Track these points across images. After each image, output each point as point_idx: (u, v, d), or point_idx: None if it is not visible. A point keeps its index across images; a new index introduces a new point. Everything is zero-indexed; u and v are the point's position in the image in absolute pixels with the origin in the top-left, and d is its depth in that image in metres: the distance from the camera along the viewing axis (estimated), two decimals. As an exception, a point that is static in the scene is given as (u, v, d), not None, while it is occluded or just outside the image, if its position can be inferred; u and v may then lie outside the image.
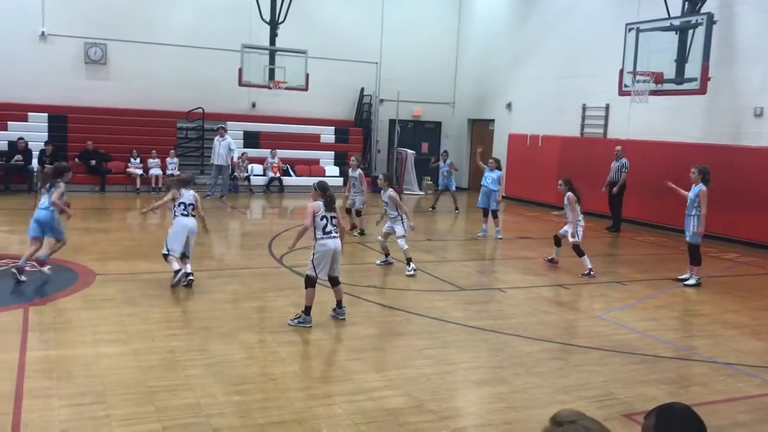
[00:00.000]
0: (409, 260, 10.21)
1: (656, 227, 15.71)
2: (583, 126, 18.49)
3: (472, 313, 8.23)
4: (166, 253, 8.82)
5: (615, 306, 8.92)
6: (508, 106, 21.61)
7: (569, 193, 10.73)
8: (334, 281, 7.64)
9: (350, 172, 13.77)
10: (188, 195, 8.97)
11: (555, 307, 8.79)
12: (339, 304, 7.68)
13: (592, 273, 10.41)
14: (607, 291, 9.84)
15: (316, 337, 7.03)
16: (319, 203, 7.47)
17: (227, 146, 18.55)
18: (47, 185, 9.09)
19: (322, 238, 7.38)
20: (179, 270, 8.65)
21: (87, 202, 16.83)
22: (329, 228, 7.40)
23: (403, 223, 10.45)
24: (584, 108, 18.39)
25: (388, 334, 7.27)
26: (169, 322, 7.37)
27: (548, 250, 11.80)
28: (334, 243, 7.42)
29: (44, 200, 8.96)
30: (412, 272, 10.08)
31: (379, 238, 10.97)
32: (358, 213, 13.60)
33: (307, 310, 7.34)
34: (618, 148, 15.55)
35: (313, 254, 7.38)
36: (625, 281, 10.38)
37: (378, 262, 10.87)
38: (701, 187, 10.13)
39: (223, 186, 18.81)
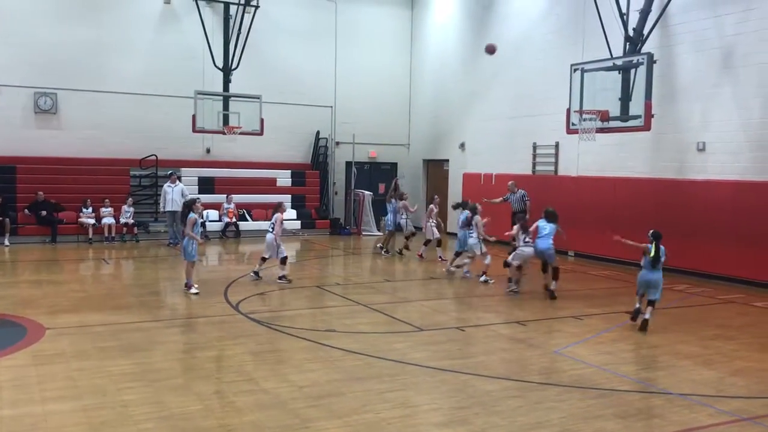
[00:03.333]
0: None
1: (609, 261, 15.99)
2: (534, 164, 18.87)
3: (431, 354, 8.23)
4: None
5: (571, 341, 9.02)
6: (462, 145, 21.96)
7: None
8: None
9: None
10: (274, 218, 12.59)
11: (513, 344, 8.84)
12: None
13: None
14: (563, 326, 9.94)
15: (273, 385, 6.92)
16: None
17: (180, 192, 18.35)
18: None
19: None
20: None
21: (37, 253, 16.44)
22: None
23: None
24: (535, 146, 18.81)
25: (347, 378, 7.20)
26: (122, 375, 7.17)
27: (505, 288, 11.94)
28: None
29: None
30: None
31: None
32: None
33: None
34: (510, 182, 16.15)
35: None
36: (581, 316, 10.51)
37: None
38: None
39: (177, 232, 18.54)
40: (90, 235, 18.59)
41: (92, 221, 18.77)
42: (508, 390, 6.95)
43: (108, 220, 18.81)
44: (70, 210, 18.96)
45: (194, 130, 18.93)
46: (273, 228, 12.69)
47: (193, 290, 11.51)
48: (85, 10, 19.92)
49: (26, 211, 18.36)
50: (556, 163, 18.21)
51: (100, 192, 19.28)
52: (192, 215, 11.52)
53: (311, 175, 23.04)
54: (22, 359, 7.64)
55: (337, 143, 23.56)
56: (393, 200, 17.29)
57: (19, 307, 10.04)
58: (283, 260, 12.69)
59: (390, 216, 17.27)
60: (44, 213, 18.36)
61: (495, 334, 9.31)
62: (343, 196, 23.57)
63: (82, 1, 19.94)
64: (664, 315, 10.56)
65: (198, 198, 19.73)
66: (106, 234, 18.67)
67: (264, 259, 12.94)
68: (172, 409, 6.17)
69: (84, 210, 18.86)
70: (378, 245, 17.45)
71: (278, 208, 13.03)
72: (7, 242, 17.46)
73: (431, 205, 16.51)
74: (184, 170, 20.52)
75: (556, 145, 18.06)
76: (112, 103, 20.15)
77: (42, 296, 11.22)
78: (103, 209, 18.95)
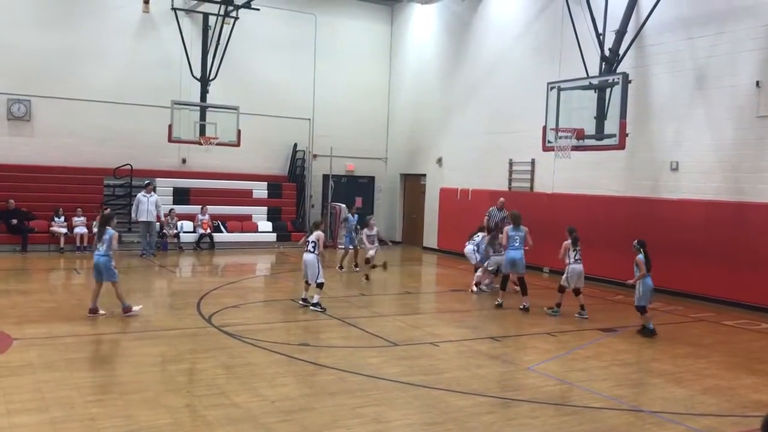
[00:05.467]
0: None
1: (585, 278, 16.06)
2: (510, 180, 18.99)
3: (404, 369, 8.19)
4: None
5: (545, 357, 9.04)
6: (439, 161, 22.05)
7: None
8: None
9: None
10: (313, 236, 11.61)
11: (487, 360, 8.83)
12: None
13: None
14: (537, 343, 9.97)
15: (244, 399, 6.84)
16: None
17: (155, 202, 18.19)
18: None
19: None
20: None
21: (7, 262, 16.14)
22: None
23: None
24: (511, 163, 18.94)
25: (319, 393, 7.14)
26: (91, 387, 7.04)
27: (480, 303, 11.96)
28: None
29: None
30: None
31: None
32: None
33: None
34: (501, 200, 16.13)
35: None
36: (555, 332, 10.55)
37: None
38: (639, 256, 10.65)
39: (151, 243, 18.37)
40: (61, 245, 18.31)
41: (64, 230, 18.50)
42: (481, 406, 6.94)
43: (80, 230, 18.54)
44: (42, 219, 18.67)
45: (170, 140, 18.78)
46: (315, 247, 11.53)
47: (136, 308, 10.62)
48: (62, 17, 19.72)
49: (-5, 219, 18.04)
50: (531, 180, 18.35)
51: (73, 201, 19.01)
52: (112, 232, 10.49)
53: (288, 187, 22.96)
54: (-13, 370, 7.47)
55: (315, 156, 23.53)
56: (350, 217, 17.01)
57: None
58: (320, 285, 11.52)
59: (347, 235, 17.03)
60: (15, 221, 18.05)
61: (469, 350, 9.31)
62: (320, 209, 23.50)
63: (59, 7, 19.74)
64: (635, 333, 10.64)
65: (172, 208, 19.54)
66: (78, 243, 18.40)
67: (308, 284, 11.71)
68: (141, 423, 6.06)
69: (56, 219, 18.58)
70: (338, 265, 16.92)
71: (318, 225, 12.06)
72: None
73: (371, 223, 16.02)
74: (159, 180, 20.34)
75: (532, 162, 18.21)
76: (87, 111, 19.93)
77: (10, 306, 11.00)
78: (76, 218, 18.69)
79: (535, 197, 18.04)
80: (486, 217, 14.50)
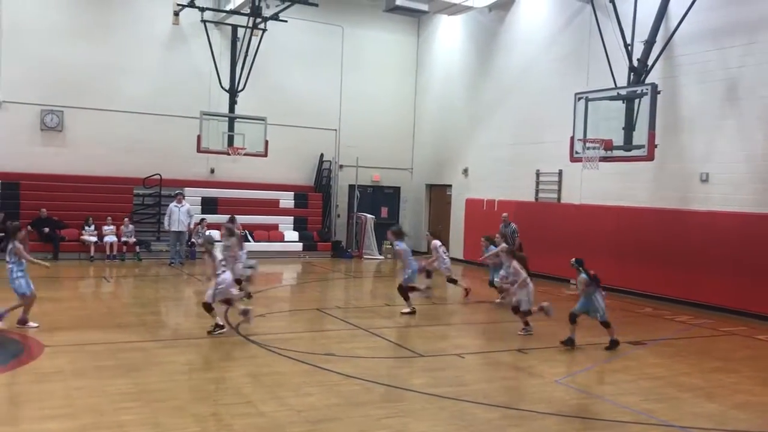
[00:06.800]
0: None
1: (611, 290, 15.90)
2: (537, 191, 18.89)
3: (430, 380, 8.17)
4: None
5: (572, 370, 8.96)
6: (465, 171, 22.02)
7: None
8: None
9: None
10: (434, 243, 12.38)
11: (513, 372, 8.78)
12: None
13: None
14: (564, 355, 9.88)
15: (270, 408, 6.87)
16: None
17: (186, 212, 18.46)
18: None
19: None
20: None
21: (38, 270, 16.36)
22: None
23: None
24: (538, 173, 18.84)
25: (345, 403, 7.15)
26: (120, 394, 7.13)
27: (506, 315, 11.89)
28: None
29: None
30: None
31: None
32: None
33: None
34: (504, 214, 16.03)
35: None
36: (582, 345, 10.44)
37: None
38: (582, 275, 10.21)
39: (180, 252, 18.59)
40: (92, 253, 18.58)
41: (94, 239, 18.78)
42: (508, 418, 6.89)
43: (110, 239, 18.81)
44: (73, 227, 18.98)
45: (199, 150, 19.02)
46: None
47: (32, 324, 10.03)
48: (95, 31, 20.11)
49: (29, 227, 18.34)
50: (559, 191, 18.23)
51: (103, 210, 19.30)
52: (16, 244, 9.95)
53: (314, 197, 23.09)
54: (20, 376, 7.61)
55: (341, 166, 23.65)
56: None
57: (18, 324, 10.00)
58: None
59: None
60: (47, 230, 18.38)
61: (495, 362, 9.26)
62: (345, 219, 23.60)
63: (92, 20, 20.14)
64: (667, 346, 10.51)
65: (204, 218, 19.71)
66: (108, 252, 18.67)
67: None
68: (169, 431, 6.12)
69: (86, 228, 18.88)
70: None
71: (436, 234, 12.70)
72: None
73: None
74: (187, 190, 20.61)
75: (559, 173, 18.09)
76: (118, 122, 20.26)
77: (41, 313, 11.15)
78: (106, 227, 18.97)
79: (562, 208, 17.92)
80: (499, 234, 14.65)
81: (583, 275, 10.16)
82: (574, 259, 10.41)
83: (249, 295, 12.79)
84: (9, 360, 8.19)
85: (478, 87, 21.53)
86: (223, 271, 10.24)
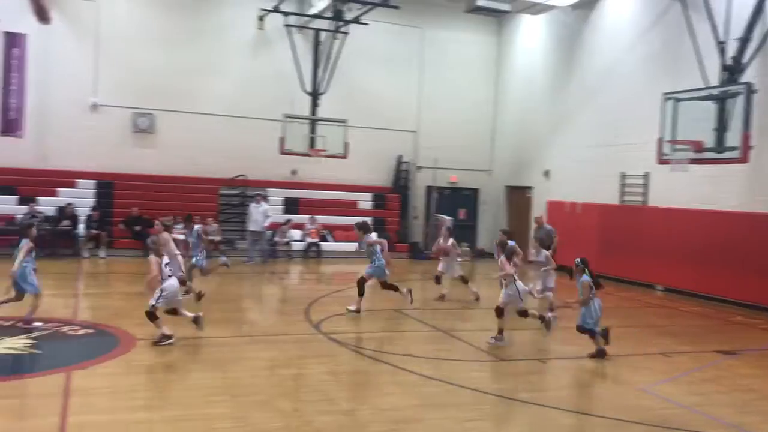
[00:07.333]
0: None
1: (701, 297, 15.32)
2: (622, 194, 18.36)
3: (511, 385, 8.09)
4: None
5: (659, 379, 8.66)
6: (546, 173, 21.64)
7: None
8: None
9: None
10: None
11: (596, 379, 8.58)
12: None
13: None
14: (651, 363, 9.57)
15: (352, 407, 6.96)
16: None
17: (264, 212, 18.89)
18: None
19: None
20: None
21: (130, 266, 17.16)
22: None
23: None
24: (623, 176, 18.31)
25: (426, 405, 7.16)
26: (207, 388, 7.37)
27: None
28: None
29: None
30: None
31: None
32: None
33: None
34: (538, 215, 15.55)
35: None
36: (670, 353, 10.09)
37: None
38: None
39: (261, 252, 19.02)
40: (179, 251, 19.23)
41: (182, 237, 19.43)
42: (590, 426, 6.75)
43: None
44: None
45: (282, 152, 19.43)
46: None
47: (38, 324, 9.64)
48: (184, 37, 20.88)
49: (121, 225, 19.23)
50: (645, 194, 17.66)
51: (190, 209, 19.85)
52: (25, 241, 9.69)
53: (392, 198, 23.20)
54: (114, 368, 7.98)
55: (419, 167, 23.68)
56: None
57: (113, 317, 10.50)
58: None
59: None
60: (138, 228, 19.18)
61: (578, 368, 9.06)
62: (422, 220, 23.60)
63: (182, 27, 20.91)
64: (762, 357, 10.03)
65: (290, 219, 20.02)
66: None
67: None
68: (254, 425, 6.29)
69: (175, 226, 19.53)
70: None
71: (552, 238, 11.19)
72: (102, 254, 18.34)
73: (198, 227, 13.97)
74: (270, 191, 21.13)
75: (646, 176, 17.52)
76: (205, 124, 20.95)
77: (133, 308, 11.63)
78: (195, 226, 19.57)
79: (648, 212, 17.36)
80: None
81: (586, 278, 9.41)
82: (579, 259, 9.64)
83: (199, 296, 12.27)
84: (105, 352, 8.59)
85: (561, 87, 21.13)
86: (170, 276, 9.33)
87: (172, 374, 7.79)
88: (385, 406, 7.00)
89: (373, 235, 12.19)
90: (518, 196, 23.48)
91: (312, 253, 20.60)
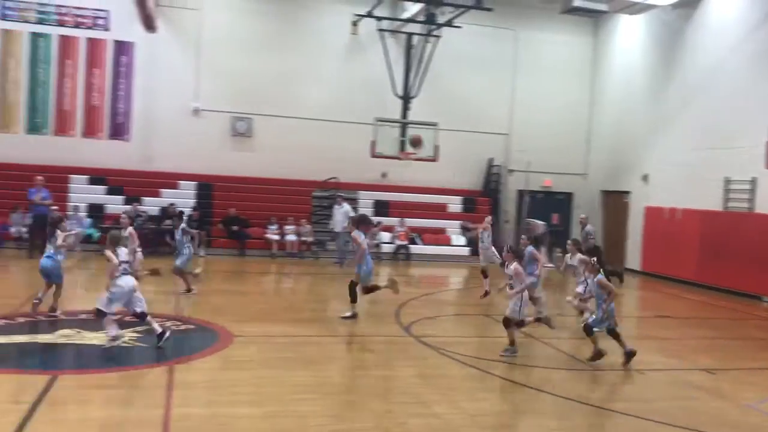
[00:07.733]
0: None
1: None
2: (726, 200, 17.50)
3: (605, 395, 7.88)
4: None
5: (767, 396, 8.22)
6: (645, 177, 20.91)
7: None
8: None
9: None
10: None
11: (699, 393, 8.22)
12: None
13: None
14: (758, 378, 9.09)
15: (443, 410, 6.95)
16: None
17: (344, 213, 19.08)
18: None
19: None
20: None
21: (227, 265, 17.78)
22: None
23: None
24: (727, 181, 17.45)
25: (517, 411, 7.08)
26: (301, 385, 7.53)
27: (690, 332, 11.13)
28: None
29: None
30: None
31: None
32: None
33: None
34: (582, 215, 15.32)
35: None
36: (778, 368, 9.56)
37: None
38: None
39: (340, 252, 19.18)
40: (274, 250, 19.81)
41: (277, 237, 20.02)
42: (692, 442, 6.48)
43: (290, 237, 19.97)
44: (258, 226, 20.35)
45: (372, 155, 19.62)
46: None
47: (59, 312, 10.09)
48: (280, 43, 21.50)
49: (220, 225, 19.96)
50: (751, 200, 16.78)
51: (285, 210, 20.55)
52: (59, 233, 10.12)
53: (482, 201, 23.01)
54: (214, 363, 8.29)
55: (510, 171, 23.38)
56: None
57: (212, 314, 10.89)
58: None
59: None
60: (235, 228, 19.86)
61: (678, 380, 8.71)
62: (514, 224, 23.28)
63: (278, 33, 21.52)
64: None
65: (380, 221, 20.19)
66: (289, 250, 19.82)
67: None
68: (347, 424, 6.40)
69: (270, 227, 20.16)
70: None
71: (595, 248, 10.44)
72: (202, 253, 19.08)
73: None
74: (361, 193, 21.48)
75: (753, 181, 16.64)
76: (300, 128, 21.46)
77: (230, 305, 12.10)
78: (287, 227, 20.16)
79: (755, 218, 16.47)
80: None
81: (601, 276, 8.93)
82: (593, 259, 9.23)
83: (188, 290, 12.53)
84: (205, 347, 8.94)
85: (660, 89, 20.37)
86: (125, 273, 8.63)
87: (268, 371, 8.01)
88: (476, 411, 6.96)
89: (362, 235, 11.33)
90: (615, 201, 22.79)
91: (401, 256, 20.71)
